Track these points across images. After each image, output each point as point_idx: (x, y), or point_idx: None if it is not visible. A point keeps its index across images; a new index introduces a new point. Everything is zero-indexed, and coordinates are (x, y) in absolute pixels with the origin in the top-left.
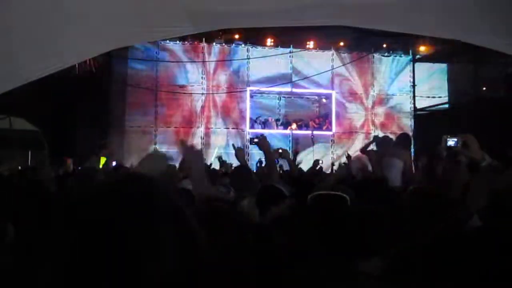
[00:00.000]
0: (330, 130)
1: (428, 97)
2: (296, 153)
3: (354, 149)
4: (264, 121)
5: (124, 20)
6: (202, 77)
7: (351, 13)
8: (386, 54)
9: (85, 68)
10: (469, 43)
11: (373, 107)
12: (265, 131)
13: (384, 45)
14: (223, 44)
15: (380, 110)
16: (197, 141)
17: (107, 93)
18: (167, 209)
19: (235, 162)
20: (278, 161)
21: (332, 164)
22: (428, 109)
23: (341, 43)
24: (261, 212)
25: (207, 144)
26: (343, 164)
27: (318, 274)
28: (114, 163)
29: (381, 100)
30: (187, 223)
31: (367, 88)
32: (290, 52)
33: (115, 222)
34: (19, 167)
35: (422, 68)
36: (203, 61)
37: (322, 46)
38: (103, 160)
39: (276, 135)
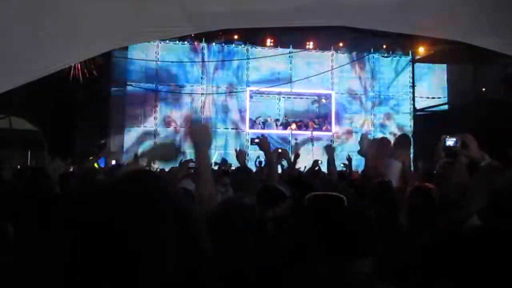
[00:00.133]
0: (330, 130)
1: (428, 97)
2: (296, 156)
3: (354, 150)
4: (263, 121)
5: (124, 20)
6: (201, 77)
7: (350, 13)
8: (385, 54)
9: (85, 68)
10: (469, 44)
11: (372, 107)
12: (265, 131)
13: (384, 46)
14: (223, 44)
15: (380, 110)
16: None
17: (107, 93)
18: (167, 209)
19: (234, 163)
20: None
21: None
22: (427, 109)
23: (341, 44)
24: (261, 212)
25: None
26: (343, 165)
27: (316, 274)
28: (113, 162)
29: (381, 101)
30: (187, 223)
31: (367, 89)
32: (289, 53)
33: (115, 222)
34: (19, 167)
35: (422, 68)
36: (203, 61)
37: (321, 46)
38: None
39: (274, 136)
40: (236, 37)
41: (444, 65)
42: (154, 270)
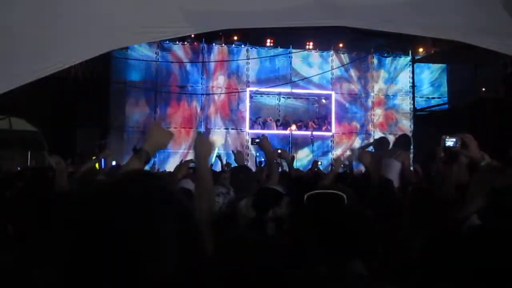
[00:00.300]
0: (330, 130)
1: (428, 97)
2: (292, 158)
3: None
4: (263, 122)
5: (124, 21)
6: (202, 78)
7: (350, 13)
8: (385, 54)
9: (85, 69)
10: (469, 44)
11: (372, 107)
12: (265, 132)
13: (384, 46)
14: (223, 44)
15: (380, 110)
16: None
17: (107, 93)
18: (167, 209)
19: (234, 164)
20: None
21: (332, 165)
22: (427, 109)
23: (341, 44)
24: (258, 214)
25: None
26: (343, 165)
27: (316, 274)
28: (113, 163)
29: (381, 101)
30: (187, 223)
31: (367, 89)
32: (289, 53)
33: (115, 222)
34: (18, 168)
35: (422, 68)
36: (203, 62)
37: (321, 46)
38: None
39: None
40: (235, 37)
41: (444, 65)
42: (154, 270)
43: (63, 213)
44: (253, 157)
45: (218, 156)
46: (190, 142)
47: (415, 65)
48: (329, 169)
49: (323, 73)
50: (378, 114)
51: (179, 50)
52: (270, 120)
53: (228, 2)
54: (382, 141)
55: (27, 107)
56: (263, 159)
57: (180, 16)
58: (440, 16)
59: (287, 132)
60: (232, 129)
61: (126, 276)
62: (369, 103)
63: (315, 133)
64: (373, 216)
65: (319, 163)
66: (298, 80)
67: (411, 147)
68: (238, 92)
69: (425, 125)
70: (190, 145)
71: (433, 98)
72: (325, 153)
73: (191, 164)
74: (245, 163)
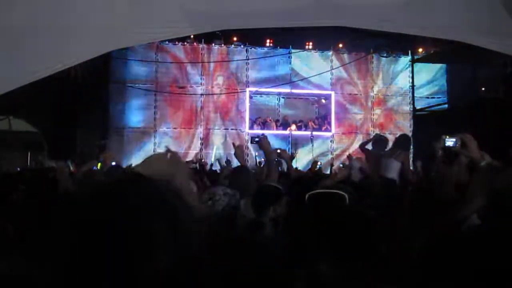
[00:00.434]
0: (330, 130)
1: (427, 97)
2: (292, 157)
3: (353, 150)
4: (263, 122)
5: (124, 21)
6: (201, 78)
7: (349, 13)
8: (385, 54)
9: (85, 69)
10: (469, 44)
11: (372, 107)
12: (264, 132)
13: (383, 46)
14: (223, 45)
15: (379, 110)
16: (196, 142)
17: (107, 94)
18: (166, 210)
19: (234, 162)
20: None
21: (331, 165)
22: (427, 109)
23: (340, 44)
24: (257, 212)
25: (206, 145)
26: (343, 165)
27: (316, 274)
28: (113, 163)
29: (380, 101)
30: (185, 223)
31: (366, 89)
32: (289, 53)
33: (114, 222)
34: (18, 169)
35: (421, 68)
36: (203, 62)
37: (321, 47)
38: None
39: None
40: (235, 38)
41: (444, 65)
42: (153, 270)
43: (63, 214)
44: (252, 157)
45: (218, 160)
46: (190, 142)
47: (415, 65)
48: (329, 169)
49: (322, 73)
50: (377, 114)
51: (178, 50)
52: (270, 120)
53: (228, 2)
54: (380, 139)
55: (27, 107)
56: (262, 159)
57: (180, 16)
58: (440, 16)
59: (286, 132)
60: (231, 129)
61: (126, 276)
62: (369, 103)
63: (315, 133)
64: (374, 216)
65: (319, 163)
66: (298, 80)
67: (411, 147)
68: (238, 92)
69: (424, 125)
70: (190, 145)
71: (433, 98)
72: (325, 153)
73: (192, 165)
74: (245, 158)
